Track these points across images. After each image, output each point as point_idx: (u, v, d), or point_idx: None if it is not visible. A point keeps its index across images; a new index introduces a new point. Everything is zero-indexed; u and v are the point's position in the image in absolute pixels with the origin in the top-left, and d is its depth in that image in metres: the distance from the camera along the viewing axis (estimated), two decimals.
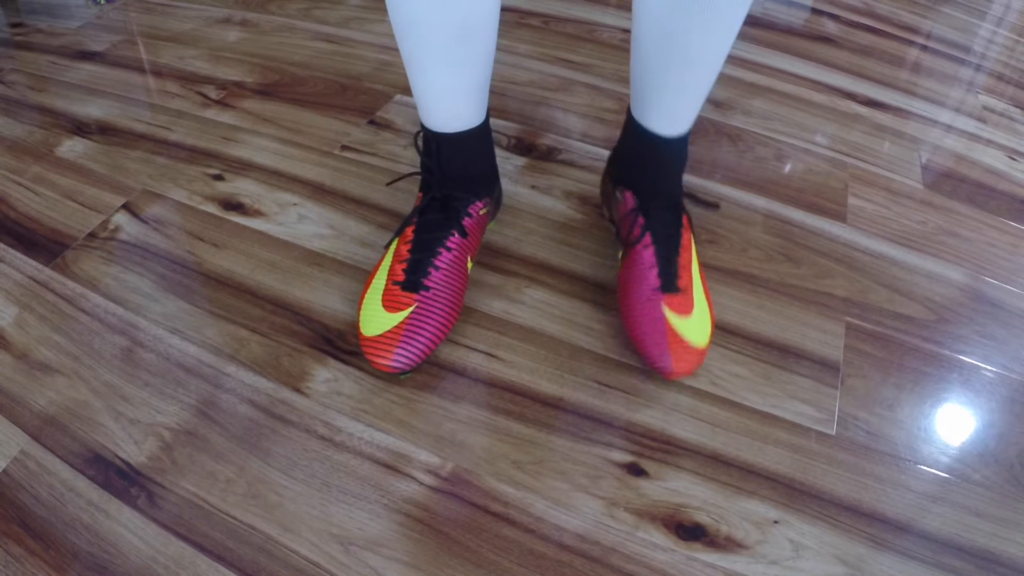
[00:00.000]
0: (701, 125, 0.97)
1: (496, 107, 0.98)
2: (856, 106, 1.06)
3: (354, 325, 0.66)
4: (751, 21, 1.30)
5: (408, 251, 0.63)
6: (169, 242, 0.74)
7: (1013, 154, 1.00)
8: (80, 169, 0.84)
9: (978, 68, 1.24)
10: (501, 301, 0.69)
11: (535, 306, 0.69)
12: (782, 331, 0.68)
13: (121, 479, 0.54)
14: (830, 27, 1.31)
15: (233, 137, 0.90)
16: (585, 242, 0.76)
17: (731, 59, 1.15)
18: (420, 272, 0.62)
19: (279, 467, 0.55)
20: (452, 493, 0.54)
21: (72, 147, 0.88)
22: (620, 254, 0.68)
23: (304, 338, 0.65)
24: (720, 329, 0.67)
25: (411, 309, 0.60)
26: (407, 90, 1.01)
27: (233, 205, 0.79)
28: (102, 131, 0.91)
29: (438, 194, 0.64)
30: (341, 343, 0.64)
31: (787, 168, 0.90)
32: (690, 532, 0.52)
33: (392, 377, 0.62)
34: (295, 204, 0.80)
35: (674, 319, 0.59)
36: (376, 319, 0.60)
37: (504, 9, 1.27)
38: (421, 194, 0.67)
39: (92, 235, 0.75)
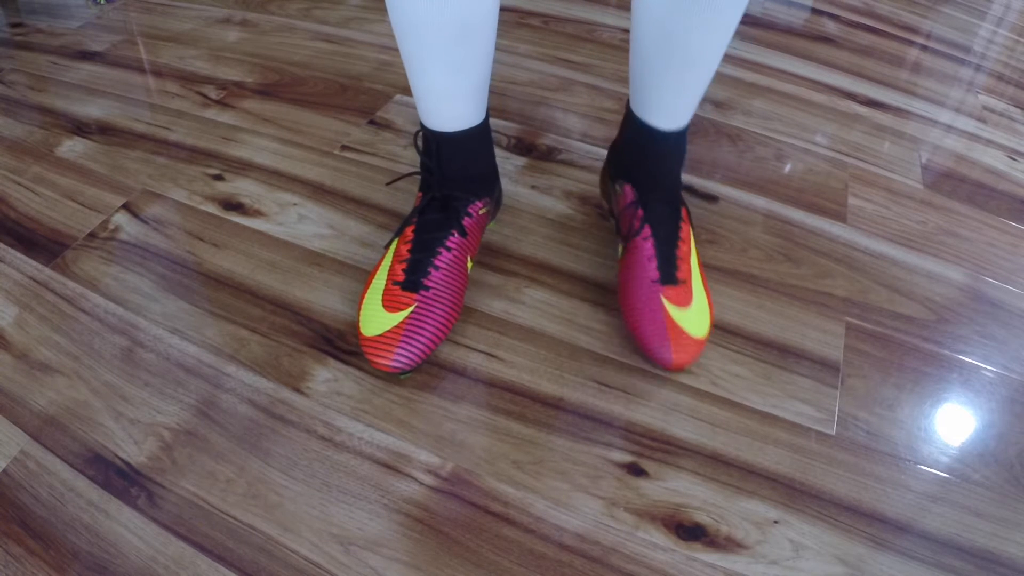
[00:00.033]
0: (701, 125, 0.98)
1: (496, 107, 0.98)
2: (856, 106, 1.06)
3: (354, 325, 0.66)
4: (751, 21, 1.30)
5: (408, 251, 0.63)
6: (169, 242, 0.74)
7: (1013, 154, 1.00)
8: (80, 169, 0.84)
9: (978, 68, 1.24)
10: (501, 301, 0.69)
11: (535, 306, 0.69)
12: (782, 331, 0.68)
13: (121, 479, 0.54)
14: (830, 27, 1.31)
15: (233, 137, 0.90)
16: (585, 242, 0.76)
17: (731, 59, 1.15)
18: (420, 272, 0.62)
19: (279, 467, 0.55)
20: (452, 493, 0.54)
21: (72, 147, 0.88)
22: (620, 248, 0.68)
23: (304, 338, 0.65)
24: (720, 329, 0.67)
25: (411, 309, 0.60)
26: (407, 90, 1.01)
27: (233, 205, 0.79)
28: (102, 131, 0.91)
29: (438, 194, 0.64)
30: (341, 343, 0.64)
31: (787, 168, 0.90)
32: (690, 532, 0.52)
33: (392, 377, 0.62)
34: (295, 204, 0.80)
35: (673, 310, 0.60)
36: (376, 319, 0.60)
37: (504, 9, 1.27)
38: (421, 194, 0.67)
39: (92, 235, 0.75)
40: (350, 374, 0.62)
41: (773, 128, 0.98)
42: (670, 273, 0.62)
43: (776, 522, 0.53)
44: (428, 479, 0.54)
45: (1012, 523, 0.54)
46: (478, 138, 0.63)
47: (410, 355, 0.58)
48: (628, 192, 0.66)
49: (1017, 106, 1.14)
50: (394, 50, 1.12)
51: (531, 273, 0.72)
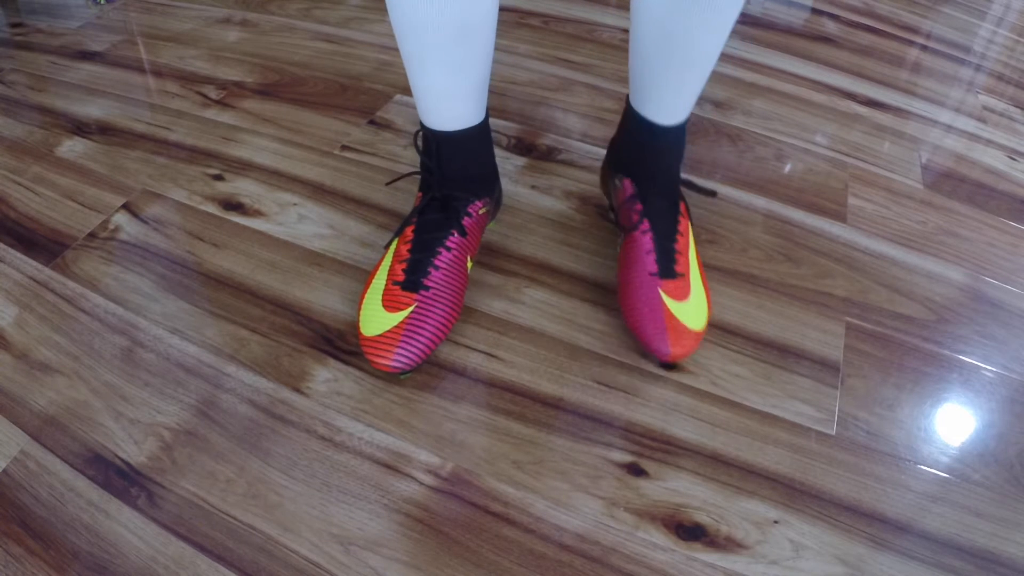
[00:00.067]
0: (701, 125, 0.98)
1: (496, 107, 0.98)
2: (856, 106, 1.06)
3: (354, 325, 0.66)
4: (751, 21, 1.30)
5: (408, 251, 0.63)
6: (169, 242, 0.74)
7: (1013, 154, 1.00)
8: (80, 169, 0.84)
9: (978, 68, 1.24)
10: (501, 301, 0.69)
11: (535, 306, 0.69)
12: (782, 331, 0.68)
13: (121, 479, 0.54)
14: (830, 27, 1.31)
15: (233, 137, 0.90)
16: (585, 242, 0.76)
17: (731, 59, 1.15)
18: (420, 272, 0.62)
19: (279, 467, 0.55)
20: (452, 493, 0.54)
21: (72, 147, 0.88)
22: (619, 240, 0.68)
23: (304, 338, 0.65)
24: (720, 329, 0.67)
25: (411, 309, 0.60)
26: (407, 90, 1.01)
27: (233, 205, 0.79)
28: (102, 131, 0.91)
29: (438, 194, 0.64)
30: (341, 343, 0.64)
31: (787, 168, 0.90)
32: (690, 532, 0.52)
33: (392, 377, 0.62)
34: (295, 204, 0.80)
35: (671, 303, 0.60)
36: (376, 319, 0.60)
37: (504, 9, 1.27)
38: (421, 194, 0.67)
39: (92, 235, 0.75)
40: (350, 374, 0.62)
41: (773, 128, 0.98)
42: (668, 267, 0.62)
43: (776, 522, 0.53)
44: (428, 479, 0.54)
45: (1012, 523, 0.54)
46: (478, 138, 0.63)
47: (410, 355, 0.58)
48: (627, 186, 0.67)
49: (1017, 106, 1.14)
50: (394, 50, 1.12)
51: (531, 273, 0.72)
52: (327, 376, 0.61)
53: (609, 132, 0.94)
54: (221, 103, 0.97)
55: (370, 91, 1.01)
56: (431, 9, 0.51)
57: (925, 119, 1.05)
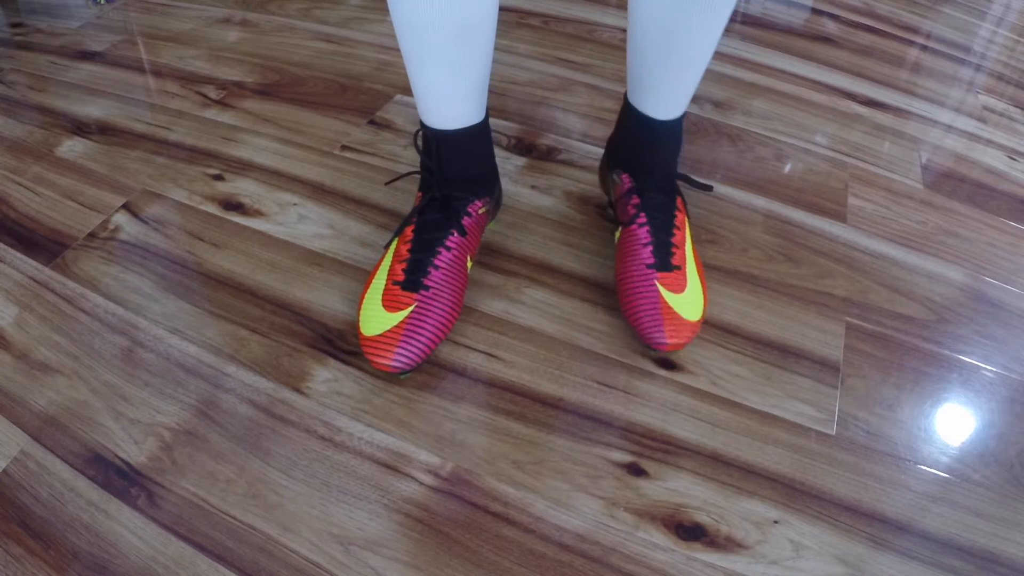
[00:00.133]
0: (701, 125, 0.98)
1: (496, 107, 0.98)
2: (856, 106, 1.06)
3: (354, 325, 0.66)
4: (751, 21, 1.30)
5: (408, 251, 0.63)
6: (169, 242, 0.74)
7: (1013, 154, 1.00)
8: (80, 169, 0.84)
9: (978, 68, 1.24)
10: (501, 301, 0.69)
11: (535, 306, 0.69)
12: (782, 331, 0.68)
13: (121, 479, 0.54)
14: (830, 27, 1.31)
15: (233, 137, 0.90)
16: (585, 242, 0.76)
17: (731, 59, 1.15)
18: (420, 272, 0.62)
19: (279, 467, 0.55)
20: (452, 493, 0.54)
21: (72, 147, 0.88)
22: (616, 233, 0.68)
23: (304, 338, 0.65)
24: (720, 329, 0.67)
25: (411, 309, 0.60)
26: (407, 90, 1.01)
27: (233, 205, 0.79)
28: (102, 131, 0.91)
29: (437, 194, 0.64)
30: (341, 343, 0.64)
31: (787, 168, 0.90)
32: (690, 532, 0.52)
33: (392, 377, 0.62)
34: (295, 204, 0.80)
35: (668, 295, 0.61)
36: (376, 319, 0.60)
37: (504, 9, 1.27)
38: (420, 194, 0.67)
39: (92, 235, 0.75)
40: (350, 374, 0.62)
41: (773, 128, 0.98)
42: (665, 260, 0.63)
43: (776, 522, 0.53)
44: (428, 479, 0.54)
45: (1012, 523, 0.54)
46: (478, 137, 0.63)
47: (410, 355, 0.58)
48: (625, 180, 0.67)
49: (1017, 106, 1.14)
50: (394, 50, 1.12)
51: (531, 273, 0.72)
52: (327, 376, 0.61)
53: (609, 132, 0.94)
54: (221, 103, 0.97)
55: (370, 91, 1.01)
56: (431, 9, 0.51)
57: (925, 119, 1.05)
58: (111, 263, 0.72)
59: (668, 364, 0.64)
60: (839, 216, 0.83)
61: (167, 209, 0.79)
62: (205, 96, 0.98)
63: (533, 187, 0.84)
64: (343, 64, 1.07)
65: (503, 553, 0.50)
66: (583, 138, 0.93)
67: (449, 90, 0.58)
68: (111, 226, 0.76)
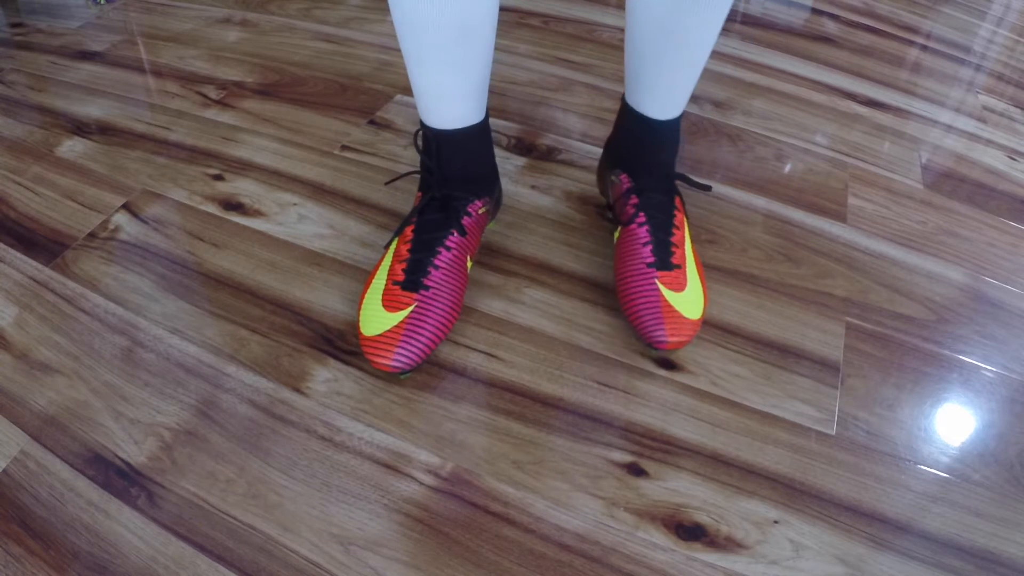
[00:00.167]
0: (701, 125, 0.98)
1: (496, 107, 0.98)
2: (856, 106, 1.06)
3: (354, 325, 0.66)
4: (751, 21, 1.30)
5: (408, 251, 0.63)
6: (169, 242, 0.74)
7: (1013, 154, 1.00)
8: (80, 169, 0.84)
9: (978, 68, 1.24)
10: (501, 301, 0.69)
11: (535, 306, 0.69)
12: (782, 331, 0.68)
13: (121, 479, 0.54)
14: (830, 27, 1.31)
15: (233, 137, 0.90)
16: (585, 242, 0.76)
17: (731, 59, 1.15)
18: (420, 272, 0.62)
19: (279, 467, 0.55)
20: (452, 493, 0.54)
21: (72, 147, 0.88)
22: (616, 233, 0.69)
23: (304, 338, 0.65)
24: (720, 329, 0.67)
25: (411, 309, 0.60)
26: (407, 90, 1.01)
27: (233, 205, 0.79)
28: (102, 131, 0.91)
29: (437, 194, 0.64)
30: (341, 343, 0.64)
31: (787, 168, 0.90)
32: (690, 532, 0.52)
33: (392, 377, 0.62)
34: (295, 204, 0.80)
35: (668, 293, 0.61)
36: (376, 319, 0.60)
37: (504, 9, 1.27)
38: (420, 194, 0.67)
39: (92, 235, 0.75)
40: (350, 374, 0.62)
41: (773, 128, 0.98)
42: (665, 259, 0.63)
43: (776, 522, 0.53)
44: (428, 479, 0.54)
45: (1012, 523, 0.54)
46: (478, 137, 0.63)
47: (410, 355, 0.58)
48: (624, 180, 0.67)
49: (1017, 106, 1.14)
50: (394, 50, 1.12)
51: (531, 273, 0.72)
52: (327, 376, 0.61)
53: (609, 132, 0.94)
54: (221, 103, 0.97)
55: (370, 91, 1.01)
56: (431, 9, 0.51)
57: (925, 119, 1.05)
58: (111, 263, 0.72)
59: (668, 364, 0.64)
60: (839, 216, 0.83)
61: (167, 209, 0.79)
62: (205, 96, 0.98)
63: (533, 187, 0.84)
64: (343, 64, 1.07)
65: (503, 553, 0.50)
66: (583, 138, 0.93)
67: (449, 90, 0.58)
68: (111, 226, 0.76)
